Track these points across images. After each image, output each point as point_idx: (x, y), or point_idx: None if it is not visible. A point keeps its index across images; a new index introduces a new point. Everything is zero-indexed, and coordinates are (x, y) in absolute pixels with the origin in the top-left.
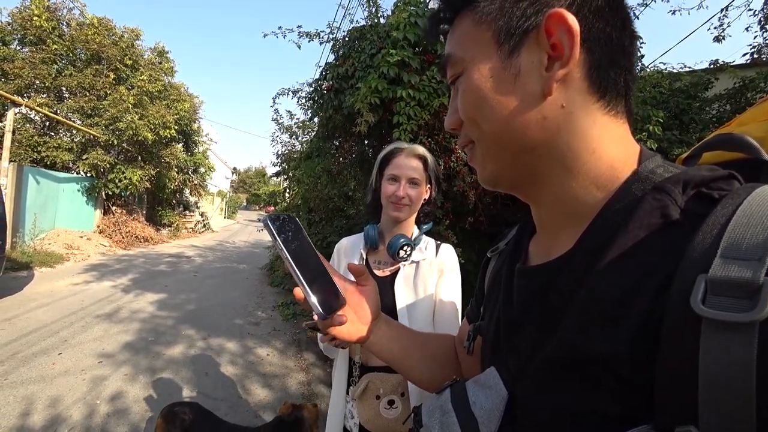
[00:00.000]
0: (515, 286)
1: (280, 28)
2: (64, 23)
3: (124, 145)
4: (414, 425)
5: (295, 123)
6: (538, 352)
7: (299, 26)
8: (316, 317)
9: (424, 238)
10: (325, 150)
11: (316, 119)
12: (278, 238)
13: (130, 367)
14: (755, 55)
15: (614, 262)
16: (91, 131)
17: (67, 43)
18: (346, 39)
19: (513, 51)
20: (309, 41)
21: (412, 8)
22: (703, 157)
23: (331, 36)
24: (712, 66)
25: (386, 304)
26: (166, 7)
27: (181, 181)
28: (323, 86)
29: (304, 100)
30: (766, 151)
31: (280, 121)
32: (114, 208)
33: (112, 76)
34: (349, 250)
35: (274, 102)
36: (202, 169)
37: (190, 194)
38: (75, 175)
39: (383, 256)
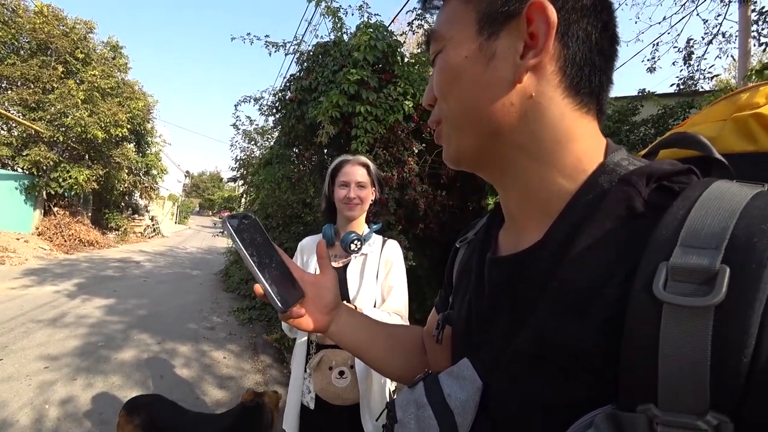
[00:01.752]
0: (486, 276)
1: (248, 34)
2: (9, 9)
3: (71, 142)
4: (388, 421)
5: (255, 129)
6: (510, 342)
7: (267, 36)
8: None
9: (374, 235)
10: (286, 157)
11: (277, 127)
12: (236, 236)
13: (80, 371)
14: (681, 87)
15: (583, 252)
16: (33, 126)
17: (12, 30)
18: (311, 53)
19: (492, 34)
20: (275, 51)
21: (371, 31)
22: (660, 154)
23: (295, 48)
24: (639, 94)
25: (341, 290)
26: (124, 2)
27: (131, 182)
28: (287, 96)
29: (266, 108)
30: (717, 149)
31: (240, 126)
32: (56, 209)
33: (60, 68)
34: (309, 248)
35: (236, 109)
36: (154, 171)
37: (141, 197)
38: (12, 171)
39: (338, 251)
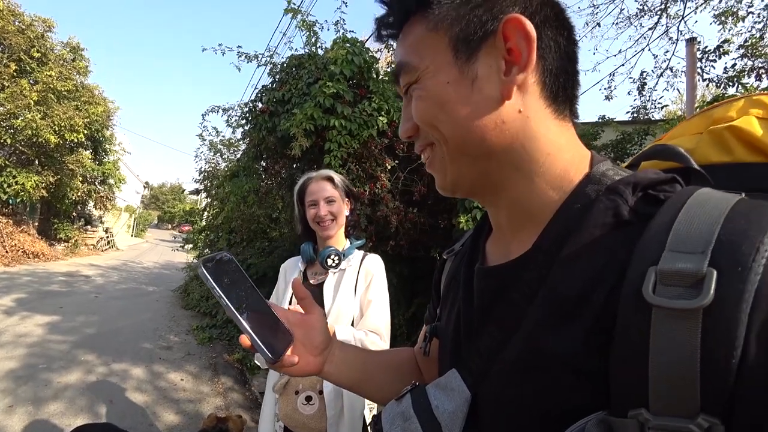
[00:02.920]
0: (475, 286)
1: (220, 45)
2: None
3: (20, 145)
4: None
5: (221, 140)
6: (500, 351)
7: (239, 46)
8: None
9: (356, 251)
10: (253, 170)
11: (246, 138)
12: (215, 285)
13: (16, 397)
14: (635, 115)
15: (572, 260)
16: None
17: None
18: (285, 65)
19: (471, 56)
20: (248, 62)
21: (348, 45)
22: (641, 166)
23: (268, 59)
24: (600, 120)
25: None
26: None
27: (85, 192)
28: (258, 108)
29: (235, 119)
30: (695, 160)
31: (207, 137)
32: None
33: (13, 66)
34: (291, 268)
35: (203, 118)
36: (111, 181)
37: (95, 207)
38: None
39: (318, 268)
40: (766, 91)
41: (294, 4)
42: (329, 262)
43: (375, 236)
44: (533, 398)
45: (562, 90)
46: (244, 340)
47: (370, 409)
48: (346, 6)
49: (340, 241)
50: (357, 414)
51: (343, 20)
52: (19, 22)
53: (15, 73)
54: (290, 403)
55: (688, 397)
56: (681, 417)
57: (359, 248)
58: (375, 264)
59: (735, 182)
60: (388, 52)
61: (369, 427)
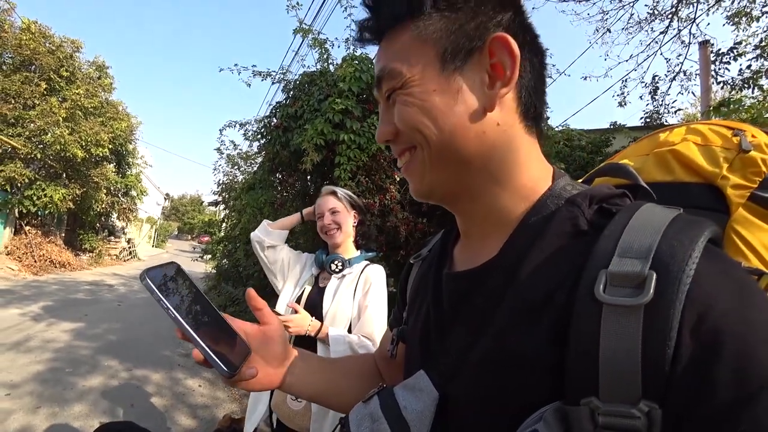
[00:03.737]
0: (444, 290)
1: (236, 65)
2: None
3: (49, 160)
4: None
5: (238, 153)
6: (468, 352)
7: (254, 65)
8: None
9: (363, 261)
10: (269, 182)
11: (262, 152)
12: (161, 296)
13: (43, 399)
14: (647, 120)
15: (535, 265)
16: (10, 141)
17: None
18: (297, 82)
19: (457, 69)
20: (262, 80)
21: (356, 63)
22: (594, 182)
23: (281, 77)
24: (611, 126)
25: (318, 308)
26: (112, 22)
27: (109, 203)
28: (273, 123)
29: (251, 134)
30: (642, 178)
31: (224, 150)
32: (28, 228)
33: (43, 85)
34: (309, 264)
35: (221, 133)
36: (134, 193)
37: (118, 218)
38: None
39: (326, 274)
40: (702, 121)
41: (305, 24)
42: (332, 267)
43: (385, 246)
44: (500, 395)
45: (533, 107)
46: (197, 354)
47: None
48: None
49: (348, 250)
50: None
51: (353, 37)
52: (50, 43)
53: (45, 92)
54: (281, 395)
55: (632, 384)
56: (626, 403)
57: (370, 260)
58: (375, 273)
59: (675, 199)
60: None
61: (336, 429)
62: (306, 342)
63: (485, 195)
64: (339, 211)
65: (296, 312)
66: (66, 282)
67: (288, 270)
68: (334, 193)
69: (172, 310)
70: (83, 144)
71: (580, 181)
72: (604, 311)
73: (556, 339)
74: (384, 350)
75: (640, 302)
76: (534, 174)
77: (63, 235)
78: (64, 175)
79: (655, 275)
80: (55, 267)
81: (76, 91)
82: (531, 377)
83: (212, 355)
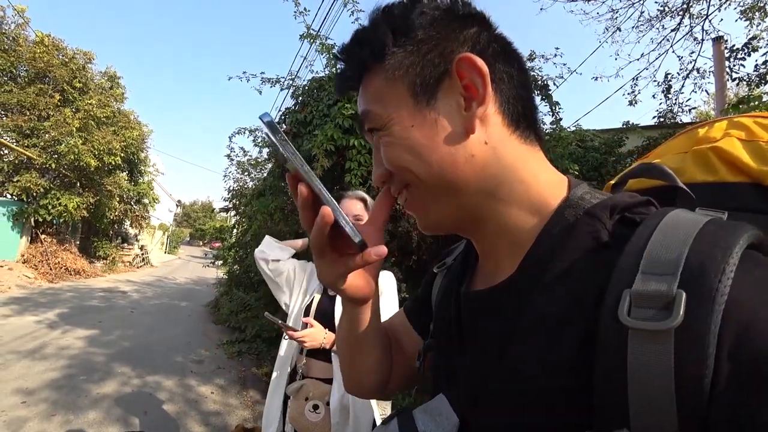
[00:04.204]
0: (463, 309)
1: (244, 72)
2: (10, 38)
3: (63, 169)
4: None
5: (248, 160)
6: (488, 376)
7: (262, 72)
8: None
9: None
10: (279, 188)
11: (272, 159)
12: (281, 141)
13: (58, 406)
14: (661, 119)
15: (553, 283)
16: (26, 152)
17: (11, 58)
18: (306, 88)
19: (430, 99)
20: (271, 87)
21: None
22: (628, 184)
23: (290, 83)
24: (624, 126)
25: (329, 317)
26: (122, 31)
27: (122, 211)
28: (282, 129)
29: (261, 140)
30: (680, 179)
31: (234, 157)
32: (43, 236)
33: (57, 97)
34: (314, 272)
35: (230, 140)
36: (146, 200)
37: (131, 226)
38: (1, 198)
39: None
40: (745, 114)
41: (313, 30)
42: None
43: (397, 251)
44: (521, 420)
45: (522, 116)
46: (328, 213)
47: (382, 418)
48: None
49: None
50: (364, 428)
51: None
52: (63, 55)
53: (59, 103)
54: (299, 407)
55: (666, 416)
56: None
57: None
58: (386, 280)
59: (719, 201)
60: None
61: None
62: (320, 354)
63: (492, 216)
64: (362, 220)
65: (310, 326)
66: (81, 289)
67: (294, 280)
68: (364, 201)
69: (297, 155)
70: (96, 153)
71: (611, 183)
72: (630, 336)
73: (579, 365)
74: (396, 328)
75: (669, 326)
76: (542, 184)
77: (78, 242)
78: (78, 184)
79: (684, 295)
80: (70, 274)
81: (89, 102)
82: (555, 405)
83: (346, 218)
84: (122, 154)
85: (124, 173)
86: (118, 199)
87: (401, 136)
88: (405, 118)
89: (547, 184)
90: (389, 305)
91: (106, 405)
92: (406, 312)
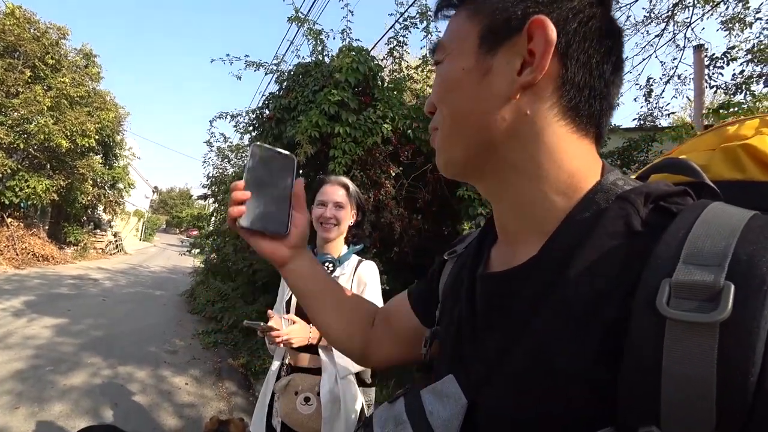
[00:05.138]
0: (478, 292)
1: (228, 55)
2: None
3: (32, 150)
4: None
5: (229, 146)
6: (502, 360)
7: (246, 56)
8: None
9: (353, 256)
10: None
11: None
12: (249, 161)
13: (22, 398)
14: (641, 122)
15: (581, 269)
16: None
17: None
18: (292, 73)
19: (491, 49)
20: (255, 70)
21: (353, 54)
22: (650, 178)
23: (275, 67)
24: None
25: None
26: (99, 7)
27: (95, 196)
28: (265, 115)
29: (243, 126)
30: (707, 176)
31: (214, 143)
32: (9, 220)
33: (27, 73)
34: None
35: (211, 124)
36: (121, 185)
37: (104, 211)
38: None
39: None
40: None
41: (302, 13)
42: None
43: (380, 243)
44: (536, 409)
45: (585, 105)
46: (237, 194)
47: (368, 405)
48: (353, 15)
49: (338, 247)
50: (353, 415)
51: (350, 29)
52: (35, 29)
53: (29, 80)
54: (290, 403)
55: (703, 415)
56: None
57: (357, 253)
58: (368, 271)
59: (747, 200)
60: (394, 61)
61: (360, 429)
62: (306, 350)
63: (512, 185)
64: (344, 208)
65: (291, 323)
66: (49, 276)
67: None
68: (346, 188)
69: (246, 172)
70: (68, 134)
71: (633, 177)
72: (668, 327)
73: (606, 355)
74: (391, 310)
75: (715, 319)
76: (575, 169)
77: (47, 227)
78: (49, 166)
79: (733, 287)
80: (38, 260)
81: (62, 80)
82: (574, 396)
83: (249, 203)
84: (96, 137)
85: (98, 156)
86: (91, 183)
87: (449, 74)
88: (462, 58)
89: (582, 168)
90: (372, 295)
91: (74, 397)
92: (409, 295)
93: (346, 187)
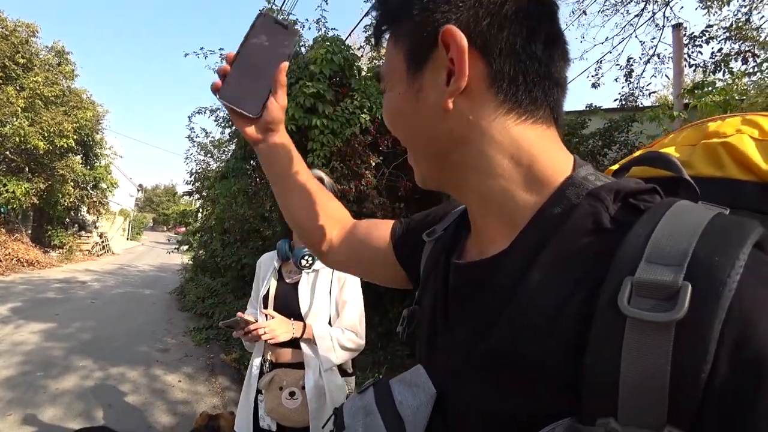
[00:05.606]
0: (450, 281)
1: (202, 48)
2: None
3: (8, 153)
4: (335, 428)
5: (211, 141)
6: (471, 350)
7: (221, 48)
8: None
9: None
10: (242, 170)
11: (234, 139)
12: (249, 32)
13: (13, 405)
14: (622, 102)
15: (549, 265)
16: None
17: None
18: None
19: (417, 69)
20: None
21: (328, 44)
22: (631, 171)
23: None
24: (587, 108)
25: (292, 307)
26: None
27: (77, 197)
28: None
29: (222, 120)
30: (686, 172)
31: (196, 138)
32: None
33: None
34: (267, 264)
35: (190, 120)
36: (104, 185)
37: (88, 212)
38: None
39: (292, 267)
40: (761, 112)
41: (275, 6)
42: (303, 262)
43: None
44: (502, 400)
45: (524, 93)
46: (222, 67)
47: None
48: (327, 3)
49: None
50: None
51: (325, 18)
52: (2, 27)
53: (0, 80)
54: (275, 399)
55: (656, 408)
56: (648, 428)
57: None
58: None
59: (725, 197)
60: (371, 49)
61: (330, 421)
62: (287, 345)
63: (475, 185)
64: None
65: (270, 318)
66: (34, 281)
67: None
68: (320, 180)
69: (242, 43)
70: (45, 135)
71: (613, 169)
72: (627, 325)
73: (570, 350)
74: (370, 231)
75: (672, 318)
76: (544, 163)
77: (29, 231)
78: (27, 169)
79: (690, 287)
80: (23, 265)
81: (34, 79)
82: (540, 388)
83: (228, 80)
84: (75, 136)
85: (78, 156)
86: (72, 184)
87: (391, 102)
88: (397, 84)
89: (551, 162)
90: (354, 291)
91: (67, 400)
92: (393, 229)
93: (321, 180)
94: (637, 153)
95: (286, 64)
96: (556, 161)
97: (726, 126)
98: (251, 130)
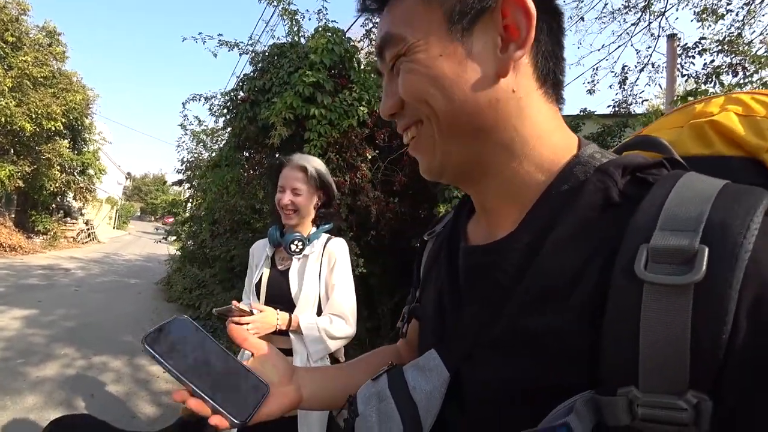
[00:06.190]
0: (460, 265)
1: (200, 33)
2: None
3: None
4: (349, 414)
5: (204, 130)
6: (485, 331)
7: (220, 34)
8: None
9: (323, 235)
10: (235, 160)
11: (228, 128)
12: (164, 362)
13: None
14: (616, 108)
15: (561, 241)
16: None
17: None
18: (266, 54)
19: (466, 31)
20: (229, 50)
21: (329, 35)
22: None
23: (250, 48)
24: (581, 113)
25: (284, 293)
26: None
27: (63, 182)
28: (239, 97)
29: (217, 108)
30: (676, 152)
31: (188, 126)
32: None
33: None
34: (259, 251)
35: (183, 107)
36: (91, 171)
37: (74, 199)
38: None
39: (284, 253)
40: (745, 91)
41: None
42: (292, 248)
43: (356, 226)
44: (520, 376)
45: (552, 73)
46: (201, 407)
47: None
48: None
49: (306, 227)
50: None
51: (326, 9)
52: None
53: None
54: None
55: (678, 373)
56: (670, 393)
57: (328, 231)
58: (338, 247)
59: (714, 174)
60: (371, 42)
61: (344, 409)
62: (278, 332)
63: (502, 170)
64: (301, 194)
65: (259, 311)
66: (17, 267)
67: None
68: (303, 170)
69: (174, 371)
70: (33, 117)
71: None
72: (645, 291)
73: (587, 321)
74: (408, 336)
75: (690, 281)
76: (555, 143)
77: (13, 216)
78: (12, 151)
79: (707, 250)
80: (5, 251)
81: (24, 59)
82: (557, 363)
83: (220, 407)
84: (63, 120)
85: (66, 141)
86: (58, 168)
87: (426, 65)
88: (434, 45)
89: (560, 142)
90: (342, 269)
91: (48, 388)
92: (412, 311)
93: (305, 170)
94: (628, 138)
95: (237, 329)
96: (563, 141)
97: (711, 105)
98: (278, 409)
